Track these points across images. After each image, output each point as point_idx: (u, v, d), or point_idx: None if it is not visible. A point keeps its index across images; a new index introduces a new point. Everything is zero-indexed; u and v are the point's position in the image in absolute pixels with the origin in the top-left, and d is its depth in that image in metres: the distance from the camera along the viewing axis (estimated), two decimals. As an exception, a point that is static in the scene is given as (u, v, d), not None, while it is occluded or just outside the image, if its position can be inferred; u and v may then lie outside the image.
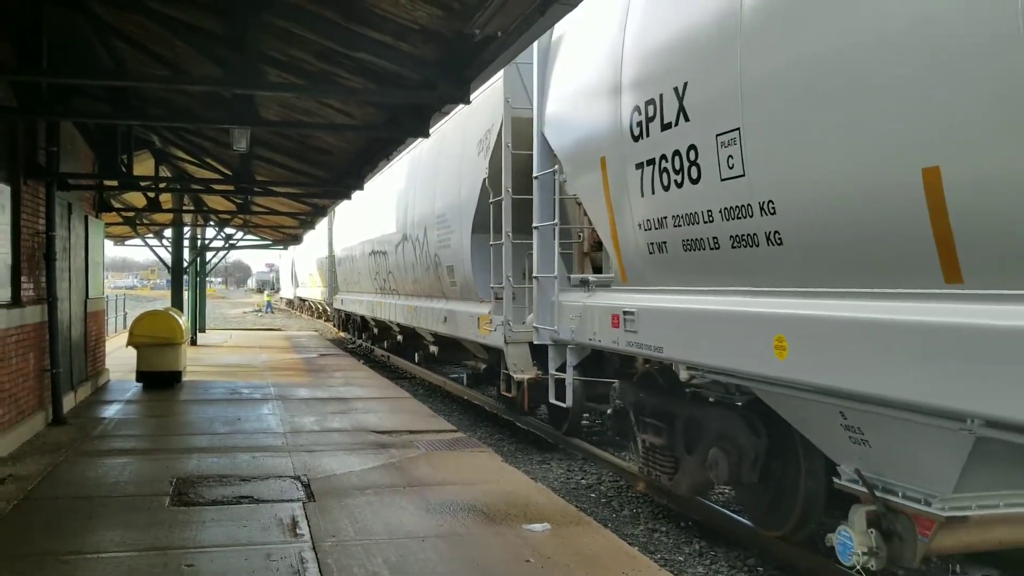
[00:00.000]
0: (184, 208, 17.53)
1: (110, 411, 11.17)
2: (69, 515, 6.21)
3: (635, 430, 8.07)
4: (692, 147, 5.85)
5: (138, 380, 13.37)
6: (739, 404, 6.58)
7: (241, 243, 25.97)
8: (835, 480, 5.43)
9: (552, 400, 9.06)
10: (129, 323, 15.34)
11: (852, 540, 5.11)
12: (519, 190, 9.86)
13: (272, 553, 5.38)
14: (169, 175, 14.85)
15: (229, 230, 23.32)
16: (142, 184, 12.73)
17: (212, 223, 21.57)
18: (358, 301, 22.87)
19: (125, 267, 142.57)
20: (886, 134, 4.32)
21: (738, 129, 5.35)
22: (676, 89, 5.90)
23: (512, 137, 9.94)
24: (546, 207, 8.79)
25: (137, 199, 16.05)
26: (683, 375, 6.59)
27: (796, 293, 5.20)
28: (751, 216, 5.39)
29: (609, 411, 8.55)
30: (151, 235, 22.39)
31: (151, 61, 8.39)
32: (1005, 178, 3.77)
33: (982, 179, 3.88)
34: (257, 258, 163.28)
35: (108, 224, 16.89)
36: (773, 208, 5.18)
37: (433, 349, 15.81)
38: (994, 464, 4.44)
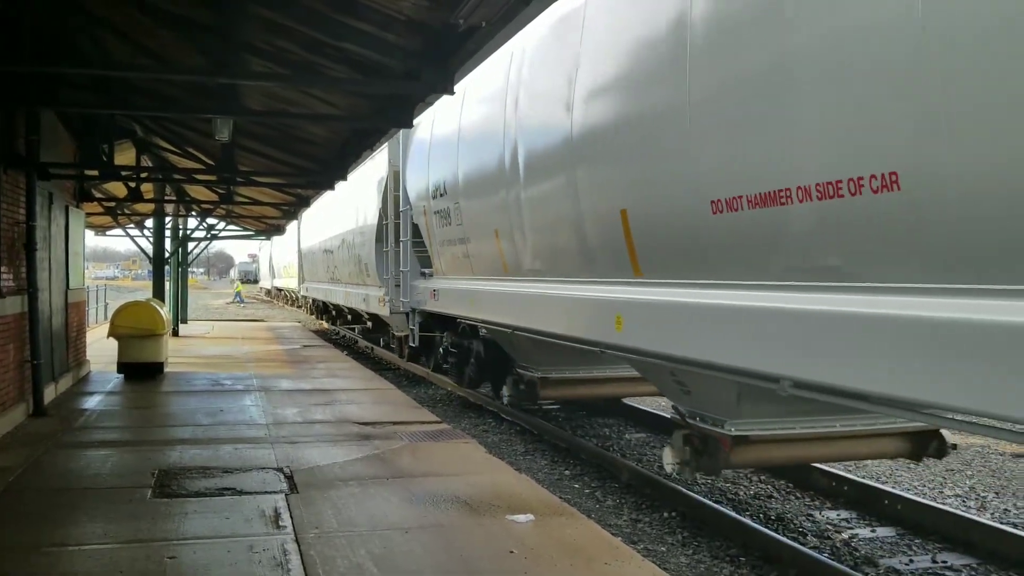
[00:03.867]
0: (166, 198, 17.38)
1: (92, 402, 11.10)
2: (50, 507, 6.17)
3: (450, 359, 13.95)
4: (448, 208, 11.72)
5: (119, 371, 13.29)
6: (482, 338, 12.39)
7: (224, 233, 25.82)
8: (517, 370, 11.24)
9: (411, 344, 15.49)
10: (110, 314, 15.22)
11: (506, 391, 11.98)
12: (396, 217, 15.17)
13: (255, 545, 5.36)
14: (151, 165, 14.73)
15: (211, 220, 23.14)
16: (123, 174, 12.60)
17: (194, 213, 21.40)
18: (318, 288, 28.38)
19: (106, 257, 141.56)
20: (486, 217, 10.30)
21: (459, 201, 11.24)
22: (445, 179, 11.80)
23: (392, 185, 15.30)
24: (406, 230, 14.58)
25: (118, 189, 15.89)
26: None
27: (478, 279, 11.17)
28: (464, 244, 11.41)
29: (441, 350, 14.40)
30: (132, 225, 22.19)
31: (135, 51, 8.31)
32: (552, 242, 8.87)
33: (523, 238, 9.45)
34: (240, 248, 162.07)
35: (89, 214, 16.73)
36: (469, 240, 11.16)
37: (368, 323, 21.78)
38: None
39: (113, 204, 17.47)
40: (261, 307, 53.27)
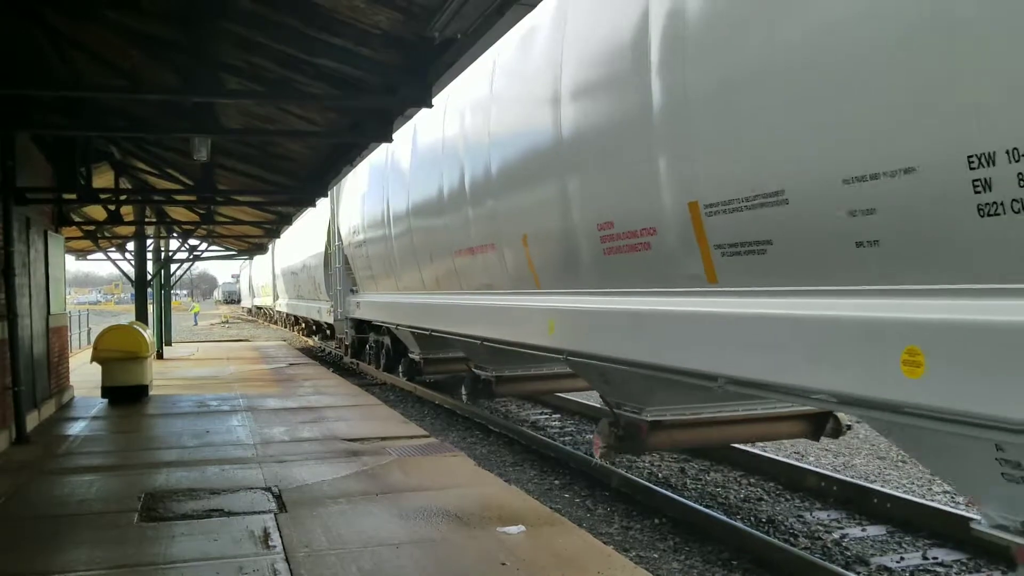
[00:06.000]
0: (146, 220, 17.25)
1: (75, 428, 10.98)
2: (35, 535, 6.10)
3: (372, 352, 19.19)
4: (366, 240, 15.66)
5: (103, 396, 13.16)
6: (389, 334, 17.19)
7: (206, 254, 25.65)
8: (408, 355, 16.27)
9: (346, 343, 20.92)
10: (93, 338, 15.10)
11: (401, 369, 17.14)
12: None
13: (244, 566, 5.31)
14: (130, 187, 14.63)
15: (193, 241, 23.01)
16: (102, 196, 12.51)
17: (175, 234, 21.28)
18: (287, 304, 35.03)
19: (88, 282, 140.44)
20: (379, 251, 15.08)
21: (365, 239, 15.74)
22: (359, 223, 16.15)
23: (333, 224, 19.83)
24: (339, 259, 19.30)
25: (98, 212, 15.77)
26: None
27: (380, 294, 15.82)
28: (370, 269, 15.97)
29: (367, 346, 19.68)
30: (113, 248, 22.05)
31: (108, 71, 8.26)
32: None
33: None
34: (223, 269, 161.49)
35: (69, 238, 16.60)
36: (372, 267, 15.78)
37: (328, 331, 26.32)
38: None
39: (93, 228, 17.36)
40: (245, 327, 53.02)
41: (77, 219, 15.62)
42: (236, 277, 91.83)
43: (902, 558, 6.47)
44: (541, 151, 7.08)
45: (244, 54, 7.07)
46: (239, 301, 79.07)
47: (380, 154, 13.44)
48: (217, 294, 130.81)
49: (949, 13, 3.51)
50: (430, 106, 6.25)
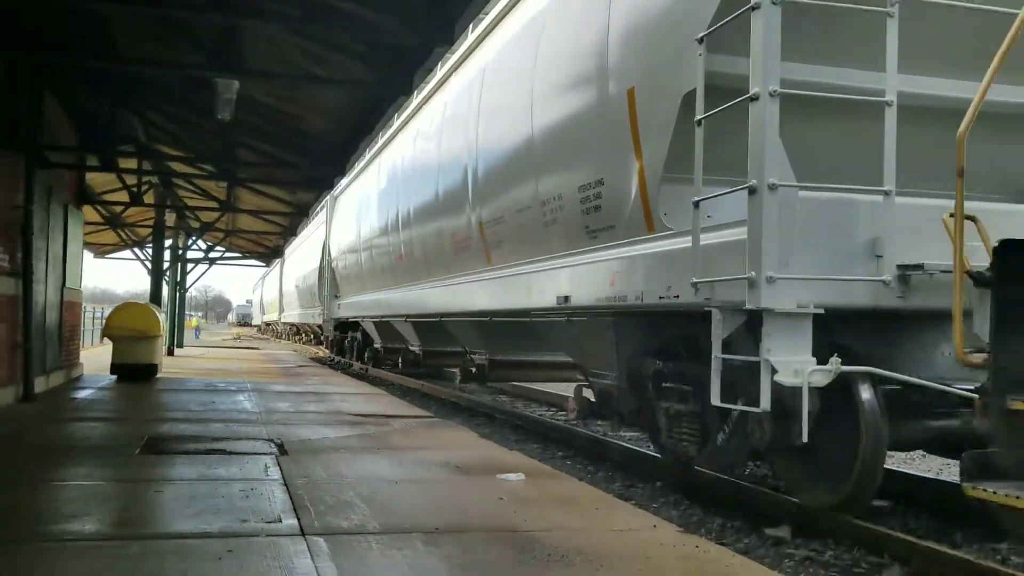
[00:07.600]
0: (166, 205, 17.32)
1: (83, 394, 11.03)
2: (39, 457, 6.19)
3: (349, 346, 23.38)
4: (346, 254, 20.72)
5: (112, 372, 13.19)
6: (359, 329, 21.45)
7: (223, 258, 25.76)
8: (373, 345, 20.49)
9: (330, 339, 26.68)
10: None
11: (367, 356, 22.37)
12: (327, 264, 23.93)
13: (243, 487, 5.28)
14: (151, 169, 14.78)
15: (210, 243, 23.23)
16: (123, 166, 12.63)
17: (193, 228, 21.32)
18: (291, 315, 39.63)
19: (105, 299, 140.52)
20: (354, 263, 20.38)
21: (347, 256, 20.64)
22: (343, 243, 21.22)
23: (327, 243, 23.53)
24: (329, 271, 22.93)
25: (120, 197, 15.90)
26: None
27: (353, 296, 20.73)
28: (349, 279, 20.69)
29: (346, 342, 23.72)
30: (134, 245, 22.27)
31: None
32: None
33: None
34: (238, 293, 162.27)
35: (89, 227, 16.75)
36: (350, 277, 20.50)
37: (323, 334, 29.32)
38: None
39: (112, 216, 17.52)
40: (256, 342, 52.99)
41: (98, 197, 15.72)
42: (250, 302, 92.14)
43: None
44: (428, 204, 11.99)
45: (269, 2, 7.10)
46: (252, 323, 79.44)
47: (357, 192, 19.14)
48: (231, 317, 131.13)
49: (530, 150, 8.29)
50: (452, 43, 6.30)
